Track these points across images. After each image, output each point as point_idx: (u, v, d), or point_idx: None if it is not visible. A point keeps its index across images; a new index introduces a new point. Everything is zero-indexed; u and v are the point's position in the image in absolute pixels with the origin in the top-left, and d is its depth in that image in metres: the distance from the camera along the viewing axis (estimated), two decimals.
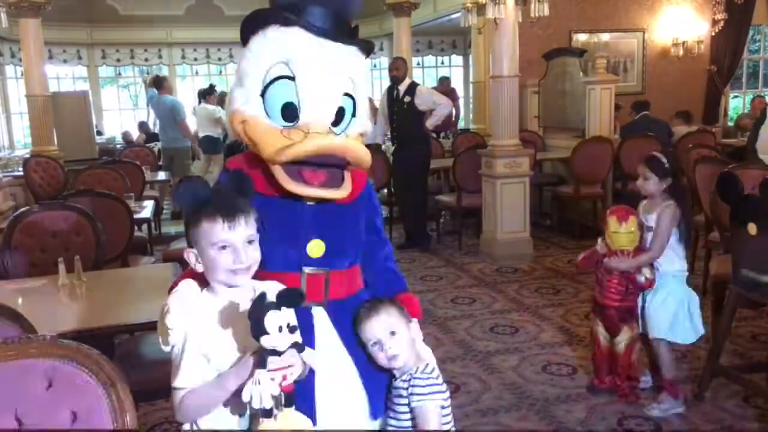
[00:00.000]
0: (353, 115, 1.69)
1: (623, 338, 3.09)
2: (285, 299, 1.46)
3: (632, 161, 6.41)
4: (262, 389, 1.38)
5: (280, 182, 1.57)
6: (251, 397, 1.39)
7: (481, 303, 4.71)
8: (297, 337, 1.46)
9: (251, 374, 1.40)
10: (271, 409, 1.40)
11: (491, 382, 3.44)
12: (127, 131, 10.48)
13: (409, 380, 1.79)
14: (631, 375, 3.15)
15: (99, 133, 9.88)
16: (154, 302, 2.51)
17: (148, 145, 8.88)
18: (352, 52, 1.67)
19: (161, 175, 7.34)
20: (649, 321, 3.03)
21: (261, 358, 1.41)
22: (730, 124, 9.46)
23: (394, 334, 1.73)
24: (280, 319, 1.42)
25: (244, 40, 1.68)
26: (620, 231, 2.99)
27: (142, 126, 10.48)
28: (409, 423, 1.82)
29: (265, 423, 1.42)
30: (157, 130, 8.89)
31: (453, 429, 1.95)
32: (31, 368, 1.38)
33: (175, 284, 1.61)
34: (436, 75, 12.16)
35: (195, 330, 1.48)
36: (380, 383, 1.75)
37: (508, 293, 4.90)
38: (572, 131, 7.17)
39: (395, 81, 6.32)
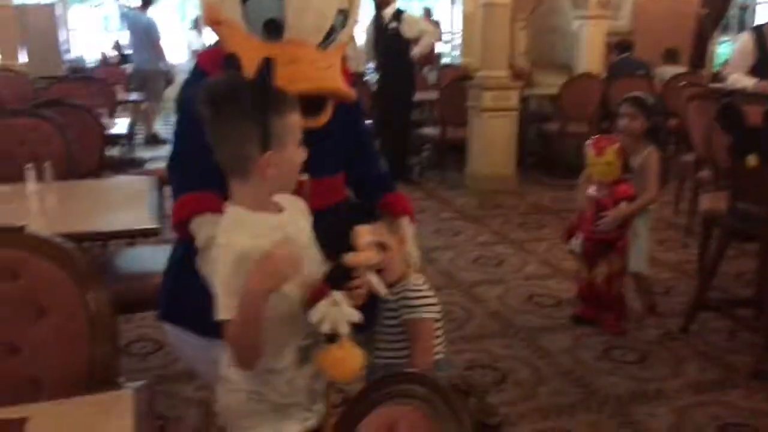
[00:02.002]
0: (343, 26, 1.56)
1: (600, 272, 3.07)
2: (363, 214, 1.32)
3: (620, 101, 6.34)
4: (339, 313, 1.23)
5: None
6: (323, 319, 1.23)
7: (465, 235, 4.64)
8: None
9: (322, 293, 1.25)
10: (335, 335, 1.25)
11: (475, 310, 3.39)
12: (104, 52, 10.00)
13: (400, 293, 1.73)
14: (615, 307, 3.13)
15: (68, 51, 9.42)
16: (131, 212, 2.39)
17: (122, 66, 8.50)
18: None
19: (134, 96, 7.03)
20: (632, 257, 3.08)
21: (336, 276, 1.25)
22: (716, 69, 9.36)
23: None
24: (369, 234, 1.29)
25: None
26: (597, 163, 2.97)
27: (116, 47, 10.03)
28: (398, 337, 1.77)
29: (326, 350, 1.27)
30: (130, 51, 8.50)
31: (444, 347, 1.90)
32: None
33: (182, 214, 1.46)
34: (422, 6, 11.78)
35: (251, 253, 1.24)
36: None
37: (492, 227, 4.83)
38: (561, 68, 7.00)
39: (379, 7, 6.06)
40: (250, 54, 1.43)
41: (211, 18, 1.52)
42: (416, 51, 6.10)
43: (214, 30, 1.54)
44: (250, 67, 1.39)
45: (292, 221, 1.32)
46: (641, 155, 3.05)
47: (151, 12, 7.85)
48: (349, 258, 1.28)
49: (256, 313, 1.19)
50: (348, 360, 1.27)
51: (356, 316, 1.26)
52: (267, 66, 1.26)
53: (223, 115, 1.23)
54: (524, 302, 3.49)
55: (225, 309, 1.21)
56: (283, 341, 1.30)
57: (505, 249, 4.34)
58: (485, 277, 3.84)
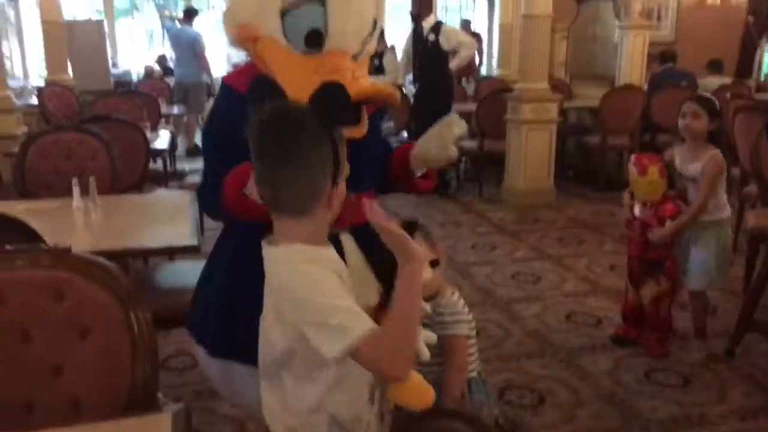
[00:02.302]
0: (371, 36, 1.57)
1: (647, 292, 2.99)
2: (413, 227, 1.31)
3: (663, 112, 6.21)
4: (422, 338, 1.23)
5: None
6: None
7: (502, 250, 4.59)
8: None
9: None
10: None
11: (513, 329, 3.35)
12: (149, 65, 10.21)
13: (435, 308, 1.73)
14: (660, 327, 3.05)
15: (114, 65, 9.66)
16: (172, 228, 2.43)
17: (165, 79, 8.67)
18: None
19: (176, 110, 7.17)
20: (690, 273, 2.93)
21: None
22: (763, 78, 9.12)
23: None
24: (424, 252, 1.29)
25: None
26: (640, 182, 2.88)
27: (161, 60, 10.23)
28: (431, 352, 1.76)
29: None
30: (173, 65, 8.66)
31: (477, 366, 1.89)
32: (42, 280, 1.27)
33: (235, 186, 1.41)
34: (459, 17, 11.76)
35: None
36: None
37: (530, 242, 4.77)
38: (601, 79, 6.91)
39: (418, 19, 6.07)
40: (293, 68, 1.44)
41: (245, 36, 1.49)
42: (454, 63, 6.09)
43: (247, 48, 1.52)
44: (295, 91, 1.39)
45: (339, 256, 1.28)
46: (702, 160, 2.82)
47: (195, 25, 7.99)
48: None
49: (419, 297, 1.14)
50: (424, 386, 1.26)
51: (434, 337, 1.26)
52: (331, 91, 1.22)
53: (292, 149, 1.13)
54: (563, 321, 3.44)
55: (356, 324, 1.09)
56: (362, 380, 1.26)
57: (543, 265, 4.28)
58: (523, 294, 3.80)
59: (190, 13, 8.02)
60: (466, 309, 1.78)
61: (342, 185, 1.22)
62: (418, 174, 1.68)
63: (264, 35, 1.47)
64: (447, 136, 1.58)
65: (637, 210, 2.95)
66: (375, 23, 1.56)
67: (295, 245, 1.17)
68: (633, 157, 2.98)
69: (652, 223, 2.89)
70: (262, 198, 1.20)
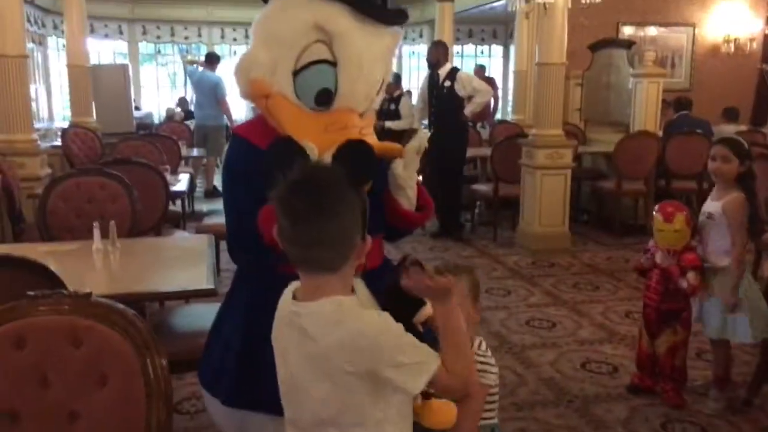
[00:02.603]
0: (377, 93, 1.63)
1: (663, 341, 2.97)
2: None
3: (678, 159, 6.24)
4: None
5: None
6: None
7: (517, 295, 4.58)
8: None
9: None
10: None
11: (528, 376, 3.32)
12: (170, 108, 10.45)
13: None
14: (675, 377, 3.01)
15: (137, 108, 9.89)
16: (188, 271, 2.47)
17: (186, 122, 8.85)
18: (392, 32, 1.59)
19: (196, 152, 7.31)
20: (705, 321, 2.89)
21: (418, 338, 1.25)
22: None
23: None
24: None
25: None
26: (665, 230, 2.86)
27: (182, 103, 10.46)
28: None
29: (429, 403, 1.34)
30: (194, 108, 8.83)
31: (496, 417, 1.88)
32: (62, 326, 1.30)
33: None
34: (475, 63, 11.96)
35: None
36: None
37: (545, 287, 4.76)
38: (615, 125, 6.96)
39: (433, 66, 6.19)
40: (304, 125, 1.48)
41: (258, 92, 1.53)
42: (468, 109, 6.17)
43: (258, 103, 1.56)
44: (305, 139, 1.43)
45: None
46: (723, 199, 2.83)
47: (218, 71, 8.18)
48: (423, 315, 1.30)
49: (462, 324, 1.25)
50: (450, 404, 1.32)
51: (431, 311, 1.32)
52: (358, 149, 1.27)
53: (329, 208, 1.14)
54: (578, 368, 3.40)
55: (429, 356, 1.19)
56: (410, 413, 1.28)
57: (558, 311, 4.26)
58: (538, 341, 3.77)
59: (212, 59, 8.22)
60: (493, 359, 1.79)
61: (368, 239, 1.25)
62: (399, 197, 1.63)
63: (276, 93, 1.52)
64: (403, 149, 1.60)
65: (658, 257, 2.93)
66: (382, 82, 1.62)
67: (332, 297, 1.19)
68: (658, 205, 2.98)
69: (674, 271, 2.87)
70: (288, 256, 1.21)
